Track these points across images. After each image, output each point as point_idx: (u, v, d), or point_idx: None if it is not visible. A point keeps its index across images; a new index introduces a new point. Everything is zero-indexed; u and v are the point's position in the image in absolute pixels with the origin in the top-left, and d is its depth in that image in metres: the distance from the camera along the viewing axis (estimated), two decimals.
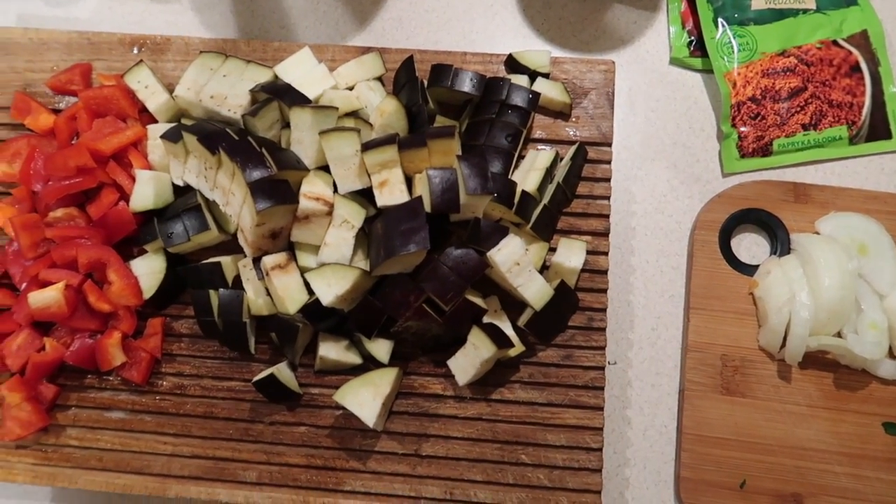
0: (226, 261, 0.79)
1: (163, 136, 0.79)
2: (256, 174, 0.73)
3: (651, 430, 0.83)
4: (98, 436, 0.82)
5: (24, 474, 0.80)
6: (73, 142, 0.86)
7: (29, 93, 0.89)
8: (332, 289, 0.73)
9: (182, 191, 0.82)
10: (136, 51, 0.90)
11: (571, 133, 0.86)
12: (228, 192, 0.76)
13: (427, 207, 0.73)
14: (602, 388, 0.80)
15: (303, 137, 0.77)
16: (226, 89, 0.82)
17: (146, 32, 0.95)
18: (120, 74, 0.88)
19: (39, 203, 0.84)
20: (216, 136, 0.76)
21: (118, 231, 0.82)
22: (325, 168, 0.78)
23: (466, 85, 0.81)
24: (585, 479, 0.78)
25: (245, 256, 0.81)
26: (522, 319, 0.79)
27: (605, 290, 0.82)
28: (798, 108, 0.88)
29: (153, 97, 0.85)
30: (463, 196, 0.72)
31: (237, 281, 0.81)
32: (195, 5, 0.96)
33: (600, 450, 0.79)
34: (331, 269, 0.75)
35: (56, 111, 0.89)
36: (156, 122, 0.86)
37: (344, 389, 0.76)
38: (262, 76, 0.83)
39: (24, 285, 0.83)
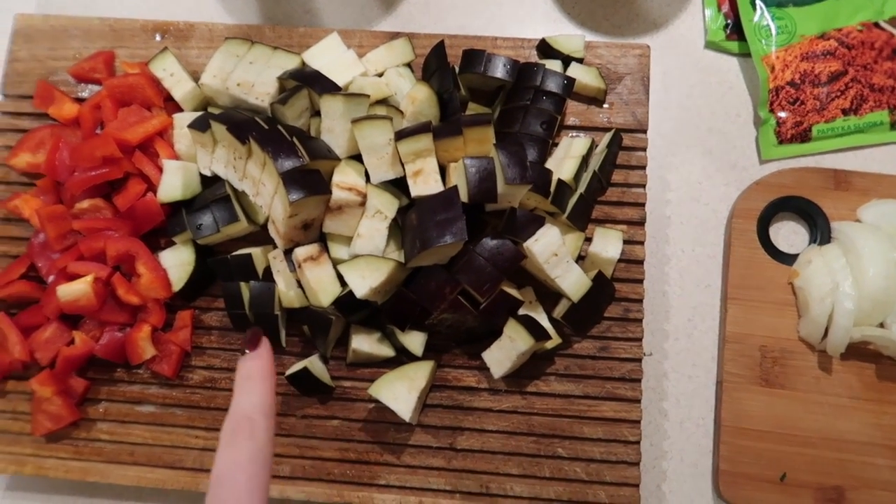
0: (256, 252, 0.78)
1: (190, 126, 0.78)
2: (288, 164, 0.71)
3: (688, 421, 0.82)
4: (129, 430, 0.81)
5: (56, 469, 0.79)
6: (97, 131, 0.85)
7: (51, 81, 0.88)
8: (365, 281, 0.72)
9: (209, 181, 0.81)
10: (158, 37, 0.89)
11: (605, 119, 0.84)
12: (258, 182, 0.75)
13: (463, 197, 0.72)
14: (639, 381, 0.79)
15: (334, 126, 0.75)
16: (252, 77, 0.81)
17: (168, 18, 0.92)
18: (144, 62, 0.86)
19: (65, 194, 0.83)
20: (246, 125, 0.74)
21: (146, 222, 0.80)
22: (356, 157, 0.77)
23: (499, 71, 0.79)
24: (623, 473, 0.77)
25: (274, 247, 0.80)
26: (558, 311, 0.77)
27: (641, 281, 0.81)
28: (838, 93, 0.85)
29: (179, 85, 0.83)
30: (501, 186, 0.70)
31: (267, 272, 0.79)
32: None
33: (638, 443, 0.78)
34: (364, 260, 0.73)
35: (79, 100, 0.87)
36: (181, 110, 0.84)
37: (379, 383, 0.75)
38: (289, 63, 0.82)
39: (51, 278, 0.81)
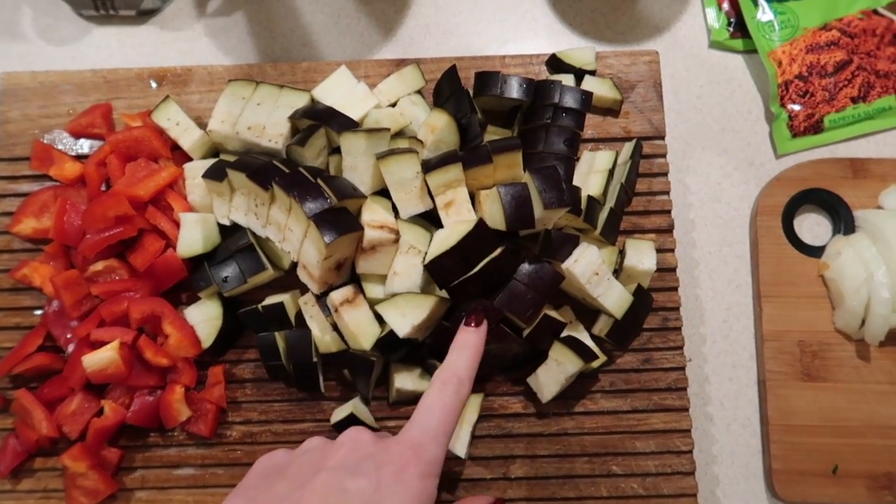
0: (286, 299, 0.76)
1: (205, 176, 0.75)
2: (317, 207, 0.69)
3: (734, 423, 0.82)
4: (169, 496, 0.78)
5: None
6: (102, 188, 0.81)
7: (47, 140, 0.84)
8: (406, 319, 0.70)
9: (227, 229, 0.78)
10: (155, 85, 0.85)
11: (623, 129, 0.83)
12: (285, 227, 0.72)
13: (499, 225, 0.70)
14: (685, 389, 0.78)
15: (357, 163, 0.73)
16: (262, 119, 0.78)
17: (161, 64, 0.89)
18: (144, 112, 0.83)
19: (77, 257, 0.79)
20: (265, 170, 0.72)
21: (167, 280, 0.78)
22: (380, 192, 0.75)
23: (516, 91, 0.78)
24: (679, 484, 0.77)
25: (302, 292, 0.78)
26: (600, 328, 0.77)
27: (675, 288, 0.81)
28: (845, 82, 0.86)
29: (186, 134, 0.80)
30: (538, 211, 0.69)
31: (299, 318, 0.77)
32: (209, 30, 0.91)
33: (691, 452, 0.77)
34: (403, 298, 0.71)
35: (79, 157, 0.84)
36: (189, 159, 0.81)
37: None
38: (298, 101, 0.79)
39: (71, 347, 0.78)
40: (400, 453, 0.54)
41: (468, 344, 0.63)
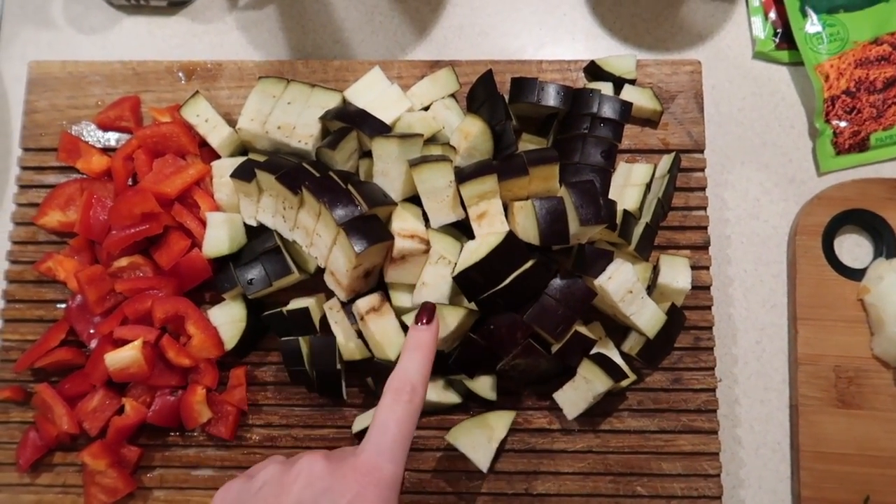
0: (311, 304, 0.74)
1: (233, 175, 0.74)
2: (347, 214, 0.67)
3: (763, 447, 0.80)
4: (188, 496, 0.77)
5: None
6: (129, 183, 0.80)
7: (74, 132, 0.83)
8: None
9: (253, 230, 0.77)
10: (184, 79, 0.84)
11: (661, 141, 0.81)
12: (313, 232, 0.71)
13: (533, 240, 0.69)
14: (715, 411, 0.76)
15: (388, 169, 0.71)
16: (293, 118, 0.77)
17: (191, 57, 0.88)
18: (172, 106, 0.82)
19: (101, 253, 0.79)
20: (296, 173, 0.71)
21: (192, 279, 0.77)
22: (410, 199, 0.73)
23: (553, 99, 0.76)
24: None
25: (327, 297, 0.77)
26: (630, 346, 0.75)
27: (709, 307, 0.78)
28: (895, 99, 0.83)
29: (215, 131, 0.79)
30: (574, 226, 0.67)
31: (323, 322, 0.76)
32: (240, 24, 0.90)
33: (719, 475, 0.75)
34: None
35: (105, 149, 0.83)
36: (216, 156, 0.80)
37: (457, 430, 0.72)
38: (329, 101, 0.78)
39: (93, 343, 0.77)
40: (356, 480, 0.53)
41: (419, 343, 0.60)
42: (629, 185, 0.76)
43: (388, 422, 0.55)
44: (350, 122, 0.73)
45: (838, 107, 0.83)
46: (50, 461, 0.78)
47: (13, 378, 0.79)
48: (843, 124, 0.83)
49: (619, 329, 0.77)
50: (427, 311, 0.62)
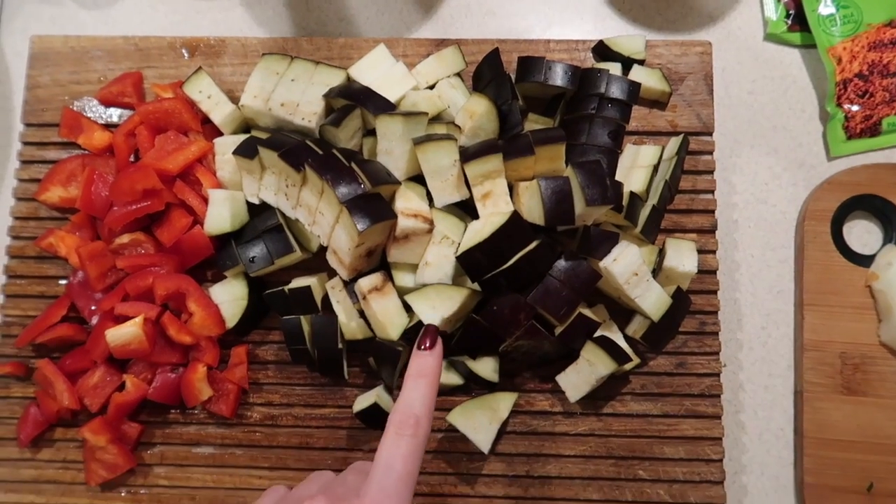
0: (313, 283, 0.74)
1: (236, 153, 0.73)
2: (350, 192, 0.67)
3: (767, 433, 0.79)
4: (188, 473, 0.77)
5: None
6: (130, 159, 0.80)
7: (76, 107, 0.82)
8: (436, 311, 0.68)
9: (256, 208, 0.76)
10: (187, 55, 0.83)
11: (669, 123, 0.80)
12: (315, 211, 0.70)
13: (538, 220, 0.68)
14: (719, 396, 0.76)
15: (392, 148, 0.71)
16: (296, 96, 0.76)
17: (194, 33, 0.87)
18: (175, 83, 0.81)
19: (103, 229, 0.78)
20: (298, 150, 0.70)
21: (193, 256, 0.76)
22: (414, 179, 0.73)
23: (560, 79, 0.74)
24: (707, 492, 0.75)
25: (329, 276, 0.76)
26: (634, 329, 0.74)
27: (715, 292, 0.78)
28: None
29: (217, 108, 0.78)
30: (580, 207, 0.66)
31: (325, 302, 0.75)
32: (244, 0, 0.88)
33: (721, 460, 0.75)
34: (434, 289, 0.69)
35: (107, 126, 0.82)
36: (219, 133, 0.79)
37: (458, 411, 0.72)
38: (333, 78, 0.77)
39: (94, 319, 0.77)
40: None
41: (423, 370, 0.57)
42: (636, 167, 0.75)
43: (392, 460, 0.52)
44: (354, 100, 0.72)
45: (850, 90, 0.82)
46: (51, 437, 0.78)
47: (14, 353, 0.79)
48: (854, 108, 0.82)
49: (623, 312, 0.76)
50: (430, 335, 0.59)
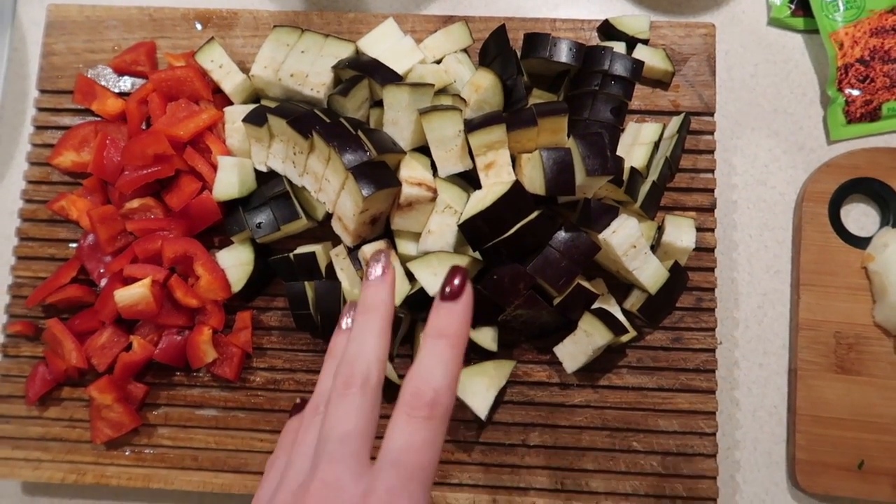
0: (318, 250, 0.75)
1: (245, 120, 0.75)
2: (356, 159, 0.68)
3: (760, 410, 0.80)
4: (191, 435, 0.79)
5: (118, 477, 0.78)
6: (142, 126, 0.81)
7: (90, 75, 0.84)
8: (438, 278, 0.70)
9: (263, 176, 0.78)
10: (199, 27, 0.85)
11: (671, 103, 0.81)
12: (322, 178, 0.72)
13: (539, 189, 0.69)
14: (714, 371, 0.77)
15: (398, 118, 0.72)
16: (306, 67, 0.77)
17: (207, 5, 0.89)
18: (187, 53, 0.83)
19: (114, 193, 0.80)
20: (307, 119, 0.71)
21: (201, 221, 0.78)
22: (419, 149, 0.74)
23: (565, 55, 0.76)
24: (700, 465, 0.76)
25: (334, 244, 0.78)
26: (632, 303, 0.75)
27: (712, 269, 0.79)
28: None
29: (228, 77, 0.79)
30: (580, 177, 0.67)
31: (329, 269, 0.77)
32: None
33: (714, 434, 0.76)
34: (436, 257, 0.71)
35: (120, 94, 0.84)
36: (229, 102, 0.81)
37: None
38: (342, 51, 0.78)
39: (103, 281, 0.79)
40: None
41: (446, 328, 0.44)
42: (637, 144, 0.76)
43: (401, 453, 0.41)
44: (362, 71, 0.74)
45: (851, 75, 0.83)
46: (58, 395, 0.80)
47: (24, 314, 0.81)
48: (855, 93, 0.83)
49: (621, 287, 0.77)
50: (459, 275, 0.45)
